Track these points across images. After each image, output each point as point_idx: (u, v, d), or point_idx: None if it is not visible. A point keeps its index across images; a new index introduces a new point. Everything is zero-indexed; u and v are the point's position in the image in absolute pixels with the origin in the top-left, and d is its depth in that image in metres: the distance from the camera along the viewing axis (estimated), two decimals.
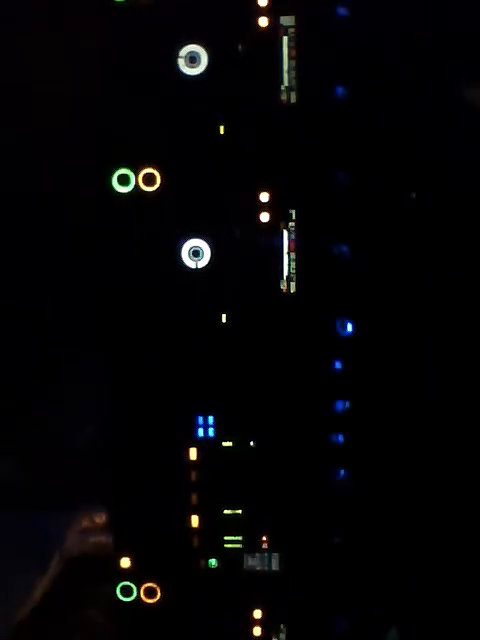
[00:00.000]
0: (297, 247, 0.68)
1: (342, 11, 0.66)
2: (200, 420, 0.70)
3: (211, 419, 0.70)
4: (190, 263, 0.69)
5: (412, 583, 0.71)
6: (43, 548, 0.79)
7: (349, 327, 0.69)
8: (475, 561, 0.72)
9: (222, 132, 0.68)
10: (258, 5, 0.66)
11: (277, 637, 0.72)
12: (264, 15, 0.66)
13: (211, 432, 0.71)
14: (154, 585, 0.72)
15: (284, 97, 0.67)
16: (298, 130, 0.67)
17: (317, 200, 0.68)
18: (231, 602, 0.72)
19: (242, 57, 0.67)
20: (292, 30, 0.66)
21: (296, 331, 0.69)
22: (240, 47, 0.67)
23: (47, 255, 0.87)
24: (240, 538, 0.71)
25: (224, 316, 0.70)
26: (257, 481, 0.71)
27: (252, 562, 0.72)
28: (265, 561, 0.71)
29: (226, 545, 0.71)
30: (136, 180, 0.68)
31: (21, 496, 0.84)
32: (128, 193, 0.69)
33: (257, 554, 0.71)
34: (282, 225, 0.68)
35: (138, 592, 0.72)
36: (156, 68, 0.67)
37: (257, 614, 0.72)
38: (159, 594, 0.72)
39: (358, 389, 0.70)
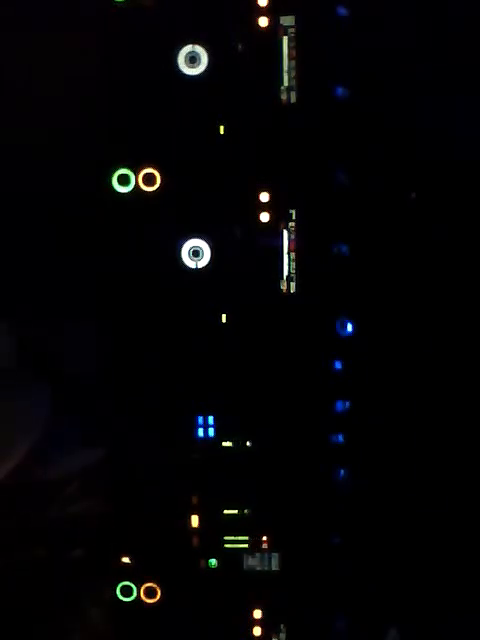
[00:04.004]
0: (297, 247, 0.68)
1: (342, 11, 0.66)
2: (200, 420, 0.71)
3: (211, 419, 0.70)
4: (190, 263, 0.69)
5: (412, 583, 0.71)
6: None
7: (349, 327, 0.69)
8: (475, 560, 0.72)
9: (222, 132, 0.68)
10: (258, 5, 0.66)
11: (277, 637, 0.72)
12: (264, 15, 0.66)
13: (211, 432, 0.71)
14: (154, 585, 0.72)
15: (284, 97, 0.67)
16: (298, 130, 0.67)
17: (317, 200, 0.68)
18: (231, 602, 0.72)
19: (242, 57, 0.67)
20: (292, 30, 0.66)
21: (296, 331, 0.69)
22: (240, 47, 0.67)
23: (46, 255, 0.87)
24: (240, 538, 0.71)
25: (224, 316, 0.70)
26: (257, 481, 0.71)
27: (252, 562, 0.72)
28: (265, 561, 0.71)
29: (226, 545, 0.72)
30: (136, 180, 0.68)
31: None
32: (128, 193, 0.69)
33: (257, 554, 0.71)
34: (282, 225, 0.68)
35: (138, 592, 0.72)
36: (156, 68, 0.67)
37: (257, 614, 0.72)
38: (159, 594, 0.72)
39: (358, 389, 0.70)
